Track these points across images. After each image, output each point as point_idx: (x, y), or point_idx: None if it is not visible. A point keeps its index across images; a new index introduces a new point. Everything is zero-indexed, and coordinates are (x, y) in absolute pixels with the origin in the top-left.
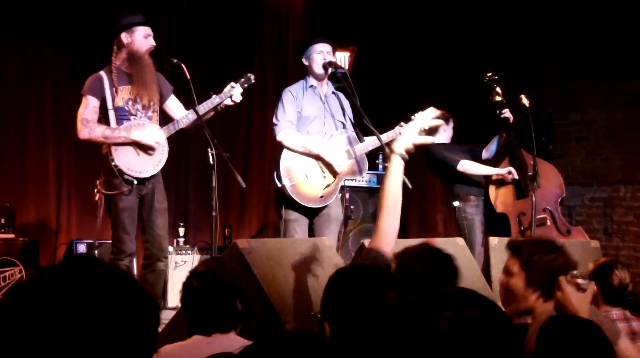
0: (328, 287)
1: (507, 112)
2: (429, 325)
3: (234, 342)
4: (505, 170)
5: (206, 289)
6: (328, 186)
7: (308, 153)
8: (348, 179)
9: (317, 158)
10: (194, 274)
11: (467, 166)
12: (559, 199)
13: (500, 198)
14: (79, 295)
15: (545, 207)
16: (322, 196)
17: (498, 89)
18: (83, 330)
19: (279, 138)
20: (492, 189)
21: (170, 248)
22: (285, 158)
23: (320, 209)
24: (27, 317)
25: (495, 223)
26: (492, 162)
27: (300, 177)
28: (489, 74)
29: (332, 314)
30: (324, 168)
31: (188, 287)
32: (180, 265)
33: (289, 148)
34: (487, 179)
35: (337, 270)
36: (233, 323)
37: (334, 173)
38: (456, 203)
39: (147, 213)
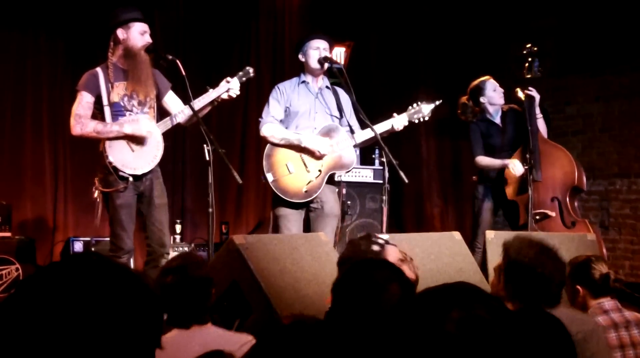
0: (338, 281)
1: (532, 92)
2: (436, 327)
3: (213, 332)
4: (509, 162)
5: (180, 285)
6: (312, 180)
7: (290, 144)
8: (334, 172)
9: (299, 148)
10: (167, 271)
11: (481, 162)
12: (570, 188)
13: (512, 186)
14: (82, 291)
15: (554, 196)
16: (306, 191)
17: (537, 64)
18: (88, 325)
19: (261, 133)
20: (505, 177)
21: None
22: (268, 153)
23: (313, 204)
24: (31, 313)
25: (507, 209)
26: (508, 148)
27: (282, 172)
28: (528, 46)
29: (340, 307)
30: (308, 162)
31: (162, 284)
32: None
33: (271, 142)
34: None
35: (350, 263)
36: (209, 313)
37: (319, 165)
38: (474, 178)
39: (146, 209)
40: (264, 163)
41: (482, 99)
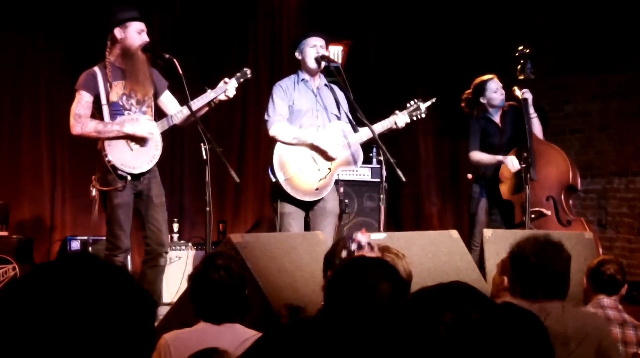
0: (330, 279)
1: (526, 93)
2: (428, 330)
3: (242, 331)
4: (506, 159)
5: (225, 282)
6: (323, 178)
7: (302, 143)
8: (343, 171)
9: (311, 147)
10: (211, 267)
11: (474, 157)
12: (565, 187)
13: (507, 185)
14: (75, 291)
15: (549, 195)
16: (317, 189)
17: (530, 66)
18: (79, 326)
19: (271, 132)
20: (500, 176)
21: None
22: (279, 152)
23: (315, 203)
24: (23, 313)
25: (503, 208)
26: (506, 147)
27: (294, 170)
28: (521, 48)
29: (333, 306)
30: (318, 160)
31: (206, 280)
32: (174, 261)
33: (282, 141)
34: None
35: (340, 261)
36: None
37: (329, 163)
38: (469, 175)
39: (145, 208)
40: (275, 162)
41: (481, 99)
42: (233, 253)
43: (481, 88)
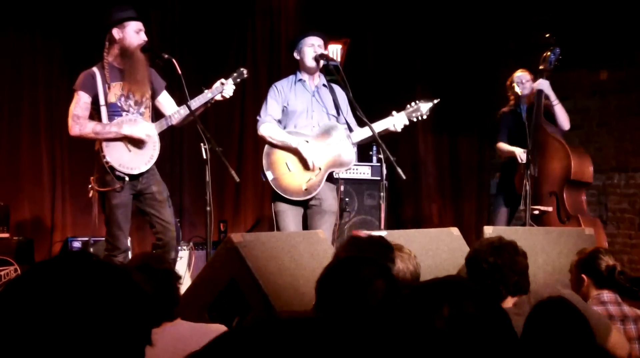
0: (322, 278)
1: (540, 84)
2: (426, 323)
3: (185, 326)
4: (517, 150)
5: (147, 282)
6: (311, 178)
7: (287, 147)
8: (333, 170)
9: (296, 152)
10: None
11: (498, 146)
12: (566, 182)
13: (519, 180)
14: (73, 289)
15: (552, 190)
16: (306, 189)
17: (554, 57)
18: (77, 324)
19: (259, 132)
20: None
21: None
22: (268, 152)
23: (311, 201)
24: (21, 311)
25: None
26: (522, 140)
27: (282, 170)
28: (548, 35)
29: (325, 304)
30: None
31: None
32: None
33: (269, 142)
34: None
35: (332, 260)
36: (177, 309)
37: (318, 163)
38: (497, 174)
39: (148, 207)
40: (264, 161)
41: (509, 93)
42: (233, 254)
43: (509, 83)
